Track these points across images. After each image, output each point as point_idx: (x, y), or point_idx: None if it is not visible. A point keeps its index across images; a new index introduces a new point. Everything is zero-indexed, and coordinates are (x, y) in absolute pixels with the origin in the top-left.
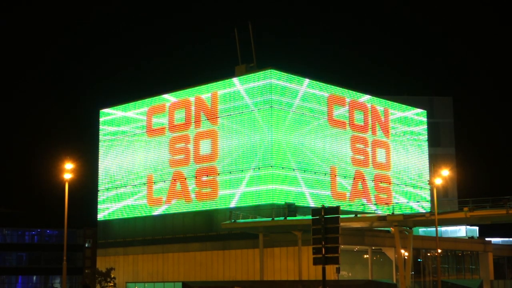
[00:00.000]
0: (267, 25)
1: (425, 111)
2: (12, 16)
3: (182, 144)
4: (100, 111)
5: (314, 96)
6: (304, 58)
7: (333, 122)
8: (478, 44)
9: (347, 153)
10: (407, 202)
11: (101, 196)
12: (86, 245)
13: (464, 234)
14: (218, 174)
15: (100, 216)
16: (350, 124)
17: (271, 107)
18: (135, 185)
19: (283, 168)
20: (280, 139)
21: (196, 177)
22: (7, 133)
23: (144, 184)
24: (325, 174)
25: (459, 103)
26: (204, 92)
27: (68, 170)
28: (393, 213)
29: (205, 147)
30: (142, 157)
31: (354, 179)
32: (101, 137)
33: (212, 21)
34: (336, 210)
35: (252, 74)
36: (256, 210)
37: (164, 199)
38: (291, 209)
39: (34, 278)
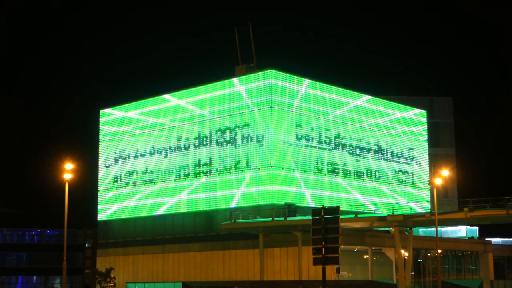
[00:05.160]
0: (267, 25)
1: (425, 111)
2: (11, 16)
3: (182, 144)
4: (100, 111)
5: (314, 96)
6: (304, 58)
7: (333, 122)
8: (478, 44)
9: (347, 153)
10: (407, 202)
11: (101, 196)
12: (86, 245)
13: (464, 235)
14: (218, 174)
15: (100, 216)
16: (350, 124)
17: (271, 107)
18: (135, 185)
19: (283, 168)
20: (280, 139)
21: (196, 177)
22: (7, 133)
23: (144, 184)
24: (325, 174)
25: (459, 103)
26: (204, 92)
27: (68, 170)
28: (393, 213)
29: (205, 147)
30: (141, 157)
31: (354, 179)
32: (101, 137)
33: (212, 21)
34: (336, 210)
35: (252, 74)
36: (256, 210)
37: (164, 199)
38: (291, 209)
39: (34, 278)
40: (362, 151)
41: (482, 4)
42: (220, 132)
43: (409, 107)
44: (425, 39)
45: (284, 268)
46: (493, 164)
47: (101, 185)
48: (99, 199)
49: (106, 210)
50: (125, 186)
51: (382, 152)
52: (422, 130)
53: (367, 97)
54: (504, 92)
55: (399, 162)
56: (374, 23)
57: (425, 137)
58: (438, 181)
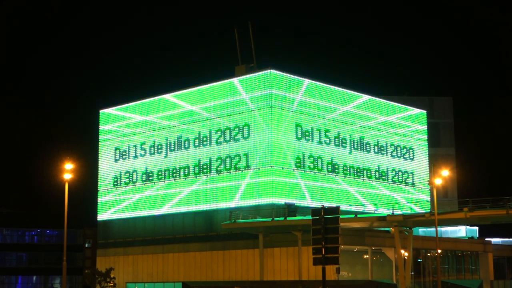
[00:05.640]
0: (267, 25)
1: (425, 111)
2: (11, 16)
3: (182, 144)
4: (100, 111)
5: (314, 96)
6: (304, 58)
7: (333, 122)
8: (478, 43)
9: (347, 153)
10: (407, 203)
11: (101, 196)
12: (86, 245)
13: (464, 234)
14: (218, 174)
15: (100, 216)
16: (350, 124)
17: (271, 107)
18: (135, 185)
19: (283, 168)
20: (280, 139)
21: (196, 177)
22: (7, 133)
23: (144, 184)
24: (325, 174)
25: (459, 103)
26: (204, 93)
27: (68, 170)
28: (393, 213)
29: (205, 147)
30: (141, 157)
31: (354, 179)
32: (101, 138)
33: (212, 21)
34: (336, 210)
35: (252, 74)
36: (256, 210)
37: (164, 199)
38: (291, 209)
39: (34, 278)
40: (362, 151)
41: (482, 4)
42: (220, 132)
43: (409, 107)
44: (425, 39)
45: (284, 268)
46: (493, 164)
47: (101, 185)
48: (99, 199)
49: (106, 210)
50: (125, 186)
51: (382, 152)
52: (422, 130)
53: (367, 97)
54: (504, 92)
55: (399, 162)
56: (374, 23)
57: (425, 137)
58: (438, 181)
